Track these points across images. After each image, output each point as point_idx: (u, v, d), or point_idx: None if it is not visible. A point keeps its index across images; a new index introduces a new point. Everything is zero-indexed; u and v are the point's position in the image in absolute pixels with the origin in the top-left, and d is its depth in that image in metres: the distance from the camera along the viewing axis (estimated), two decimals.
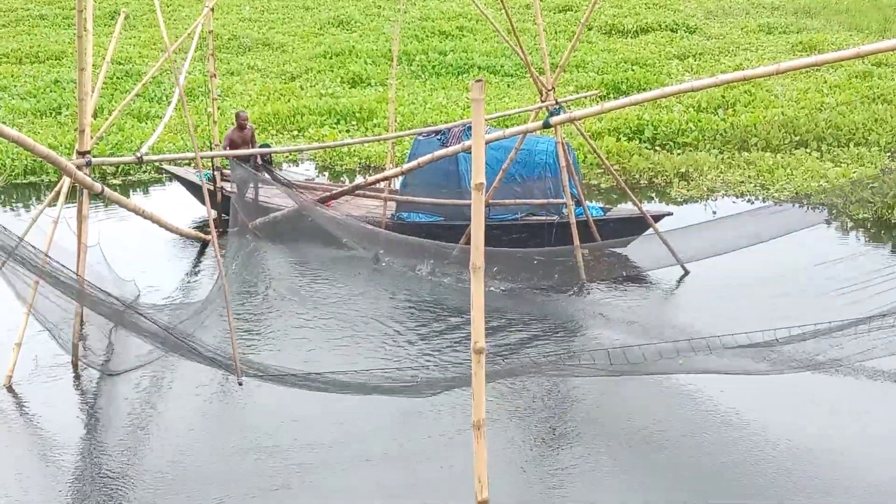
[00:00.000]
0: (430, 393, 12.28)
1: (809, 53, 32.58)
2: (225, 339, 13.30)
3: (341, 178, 23.56)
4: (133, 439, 12.06)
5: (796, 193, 20.78)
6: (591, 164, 22.59)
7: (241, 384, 12.01)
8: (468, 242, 6.66)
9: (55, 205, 13.49)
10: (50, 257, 11.43)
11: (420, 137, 18.27)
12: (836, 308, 12.83)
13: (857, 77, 29.27)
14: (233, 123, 19.76)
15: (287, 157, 24.79)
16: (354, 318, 15.51)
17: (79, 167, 12.78)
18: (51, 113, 27.86)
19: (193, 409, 12.79)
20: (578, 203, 17.09)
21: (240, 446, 11.83)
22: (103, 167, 22.61)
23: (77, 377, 13.49)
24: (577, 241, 16.58)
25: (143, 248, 18.36)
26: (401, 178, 18.44)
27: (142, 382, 13.33)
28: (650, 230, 17.14)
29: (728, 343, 10.91)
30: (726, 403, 12.59)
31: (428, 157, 15.74)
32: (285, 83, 32.23)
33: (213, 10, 17.84)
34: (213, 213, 17.54)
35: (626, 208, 18.57)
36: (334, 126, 27.03)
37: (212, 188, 18.96)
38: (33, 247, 11.16)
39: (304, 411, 12.48)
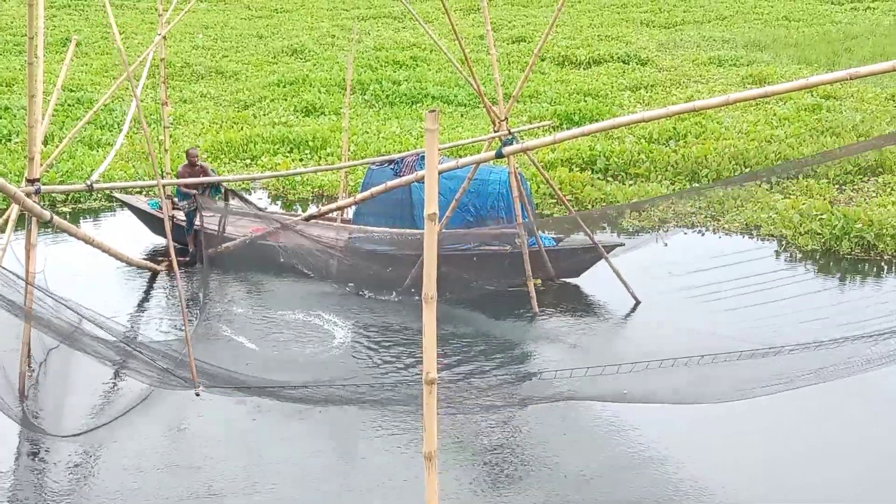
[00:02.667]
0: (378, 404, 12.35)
1: (759, 86, 32.96)
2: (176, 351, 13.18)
3: (294, 208, 23.49)
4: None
5: (746, 225, 20.98)
6: (544, 193, 22.68)
7: (198, 395, 11.92)
8: (420, 273, 6.66)
9: (2, 233, 13.34)
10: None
11: (373, 167, 18.27)
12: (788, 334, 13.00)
13: (805, 110, 29.63)
14: (185, 153, 19.64)
15: (239, 185, 24.69)
16: (308, 337, 15.62)
17: (28, 194, 12.64)
18: (0, 140, 27.57)
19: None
20: (531, 233, 17.14)
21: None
22: (53, 195, 22.41)
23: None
24: (529, 272, 16.63)
25: (90, 278, 18.14)
26: (354, 207, 18.42)
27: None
28: (602, 261, 17.21)
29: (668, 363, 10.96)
30: (665, 436, 12.68)
31: (381, 186, 15.76)
32: (238, 111, 32.17)
33: (165, 37, 17.80)
34: (166, 242, 17.49)
35: (578, 239, 18.68)
36: (287, 155, 26.97)
37: (161, 216, 18.88)
38: None
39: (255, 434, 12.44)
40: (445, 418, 12.58)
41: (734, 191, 22.87)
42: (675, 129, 27.40)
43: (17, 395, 13.16)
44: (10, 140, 27.54)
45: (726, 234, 20.82)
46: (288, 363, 14.54)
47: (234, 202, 19.21)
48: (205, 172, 18.87)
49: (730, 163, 24.49)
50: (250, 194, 24.58)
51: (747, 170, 24.23)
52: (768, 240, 20.36)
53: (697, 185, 23.16)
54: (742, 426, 12.71)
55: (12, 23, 47.07)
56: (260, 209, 18.65)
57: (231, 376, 12.51)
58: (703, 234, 20.91)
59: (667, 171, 24.58)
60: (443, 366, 14.00)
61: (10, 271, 11.70)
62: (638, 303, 16.95)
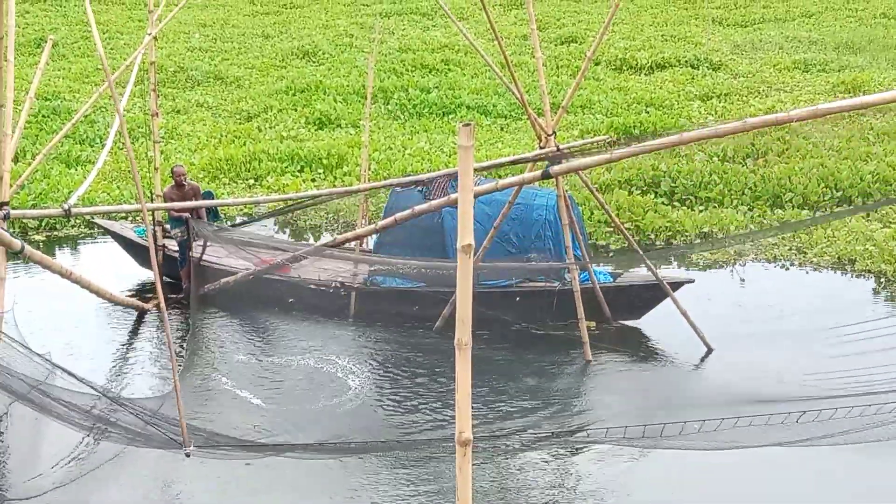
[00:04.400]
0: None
1: (853, 95, 32.81)
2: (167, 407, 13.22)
3: (305, 236, 23.55)
4: None
5: (838, 259, 20.86)
6: (598, 221, 22.63)
7: (188, 455, 11.93)
8: (453, 313, 6.63)
9: None
10: None
11: (398, 189, 18.29)
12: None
13: None
14: (170, 171, 19.74)
15: (241, 210, 24.79)
16: (313, 387, 15.68)
17: None
18: None
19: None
20: (583, 268, 17.10)
21: None
22: (24, 220, 22.55)
23: None
24: (581, 313, 16.57)
25: (67, 317, 18.23)
26: (375, 236, 18.44)
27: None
28: (667, 300, 17.14)
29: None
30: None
31: (407, 212, 15.76)
32: (240, 123, 32.35)
33: (156, 38, 17.92)
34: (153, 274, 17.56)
35: (639, 274, 18.61)
36: (297, 174, 27.08)
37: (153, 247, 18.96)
38: None
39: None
40: (480, 469, 12.60)
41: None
42: (753, 145, 27.31)
43: None
44: None
45: (815, 269, 20.70)
46: (299, 420, 14.52)
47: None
48: (195, 193, 18.94)
49: (818, 185, 24.37)
50: (254, 220, 24.71)
51: (839, 193, 24.10)
52: (864, 276, 20.22)
53: (785, 220, 23.00)
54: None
55: None
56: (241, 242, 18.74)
57: (232, 440, 12.50)
58: (787, 269, 20.81)
59: (744, 194, 24.47)
60: (478, 424, 13.95)
61: None
62: (710, 350, 16.84)
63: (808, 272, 20.68)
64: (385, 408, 15.16)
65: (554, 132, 15.99)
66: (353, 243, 18.63)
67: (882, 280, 19.93)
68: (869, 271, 20.33)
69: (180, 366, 15.47)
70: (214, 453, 12.56)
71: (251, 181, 26.81)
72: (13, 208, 13.39)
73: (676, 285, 17.46)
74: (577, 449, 13.32)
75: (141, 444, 12.58)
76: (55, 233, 23.58)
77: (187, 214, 18.45)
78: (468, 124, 6.17)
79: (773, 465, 12.53)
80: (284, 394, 15.54)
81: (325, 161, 27.62)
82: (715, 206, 24.08)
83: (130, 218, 21.30)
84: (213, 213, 19.33)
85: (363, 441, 13.11)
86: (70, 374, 12.02)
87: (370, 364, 16.70)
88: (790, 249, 21.63)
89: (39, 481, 13.00)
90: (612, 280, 18.15)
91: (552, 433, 13.82)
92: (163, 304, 12.76)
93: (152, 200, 19.19)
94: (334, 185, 25.82)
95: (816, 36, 44.90)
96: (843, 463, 12.84)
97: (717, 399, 14.97)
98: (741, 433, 11.14)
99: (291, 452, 12.34)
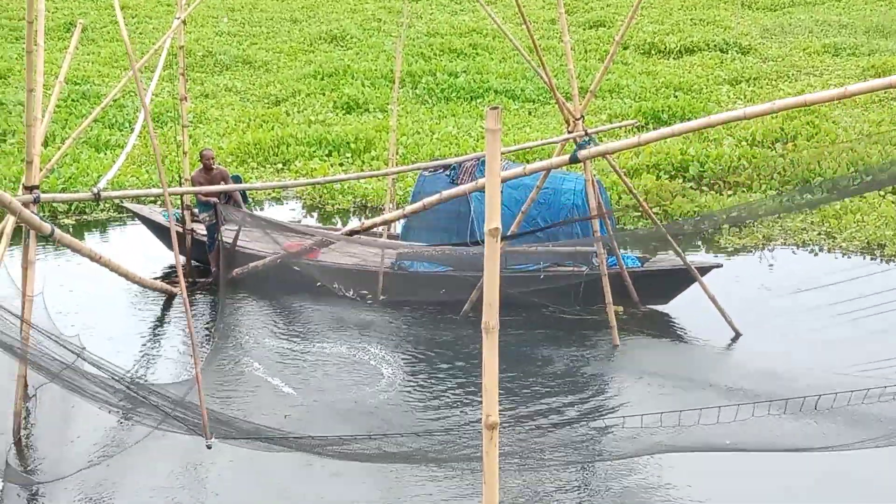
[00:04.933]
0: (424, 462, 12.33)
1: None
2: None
3: (332, 221, 23.59)
4: None
5: (868, 243, 20.76)
6: (626, 205, 22.59)
7: (209, 447, 11.96)
8: (481, 297, 6.63)
9: None
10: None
11: (426, 173, 18.31)
12: None
13: None
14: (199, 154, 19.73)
15: (269, 194, 24.84)
16: (345, 375, 15.68)
17: (25, 204, 12.77)
18: None
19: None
20: (611, 252, 17.07)
21: None
22: (54, 204, 22.66)
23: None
24: (609, 297, 16.55)
25: (95, 301, 18.32)
26: (402, 221, 18.46)
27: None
28: (695, 284, 17.10)
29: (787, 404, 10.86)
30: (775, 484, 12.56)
31: (435, 197, 15.75)
32: (268, 108, 32.38)
33: (185, 22, 17.94)
34: (182, 260, 17.63)
35: (667, 259, 18.57)
36: (325, 158, 27.12)
37: (181, 230, 19.02)
38: None
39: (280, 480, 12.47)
40: (510, 476, 12.55)
41: (853, 202, 22.65)
42: (782, 129, 27.21)
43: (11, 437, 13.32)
44: (4, 140, 27.92)
45: (844, 254, 20.61)
46: (330, 413, 14.50)
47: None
48: (223, 178, 18.99)
49: (848, 169, 24.24)
50: (281, 204, 24.74)
51: (868, 178, 23.94)
52: (894, 261, 20.12)
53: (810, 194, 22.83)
54: None
55: (8, 5, 47.74)
56: (286, 224, 18.76)
57: (260, 431, 12.49)
58: (815, 254, 20.73)
59: (772, 179, 24.38)
60: (505, 409, 13.94)
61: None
62: (738, 335, 16.81)
63: (837, 257, 20.59)
64: (417, 397, 15.14)
65: (582, 116, 15.95)
66: (380, 228, 18.65)
67: None
68: None
69: (206, 350, 15.55)
70: (238, 445, 12.56)
71: (279, 165, 26.85)
72: (43, 192, 13.43)
73: (704, 270, 17.42)
74: (603, 436, 13.24)
75: (166, 428, 12.61)
76: (84, 217, 23.69)
77: (215, 199, 18.50)
78: (495, 108, 6.16)
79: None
80: (316, 383, 15.52)
81: (352, 145, 27.64)
82: (743, 191, 24.00)
83: (159, 202, 21.38)
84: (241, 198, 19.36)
85: (390, 434, 13.04)
86: (97, 361, 12.04)
87: (401, 352, 16.70)
88: (819, 234, 21.54)
89: (68, 462, 13.10)
90: (640, 265, 18.12)
91: (579, 419, 13.79)
92: (184, 293, 12.74)
93: (181, 184, 19.24)
94: (362, 170, 25.84)
95: (846, 20, 44.60)
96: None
97: (743, 383, 14.97)
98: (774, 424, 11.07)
99: (318, 450, 12.29)
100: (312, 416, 14.26)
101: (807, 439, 11.83)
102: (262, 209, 24.00)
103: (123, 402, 12.36)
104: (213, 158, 18.96)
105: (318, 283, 18.09)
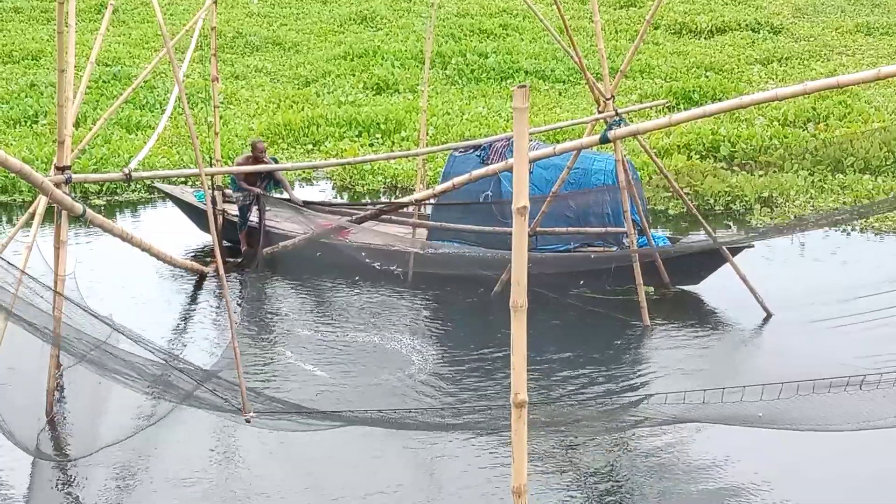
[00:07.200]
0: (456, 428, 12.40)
1: None
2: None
3: (363, 200, 23.59)
4: None
5: None
6: (656, 185, 22.51)
7: (248, 421, 12.02)
8: (510, 276, 6.64)
9: (29, 228, 13.56)
10: (26, 279, 11.49)
11: (456, 153, 18.30)
12: None
13: None
14: (239, 138, 19.69)
15: (300, 175, 24.89)
16: (378, 350, 15.84)
17: (57, 184, 12.84)
18: (26, 121, 28.10)
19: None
20: (642, 232, 17.05)
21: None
22: (85, 185, 22.78)
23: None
24: (639, 278, 16.54)
25: (127, 280, 18.42)
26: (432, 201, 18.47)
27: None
28: (726, 265, 17.05)
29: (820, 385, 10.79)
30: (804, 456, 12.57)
31: (465, 176, 15.76)
32: (299, 89, 32.41)
33: (216, 2, 17.97)
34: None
35: (698, 239, 18.51)
36: (355, 139, 27.14)
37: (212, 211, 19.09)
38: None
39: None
40: (537, 446, 12.59)
41: (885, 182, 22.52)
42: (814, 109, 27.08)
43: (42, 416, 13.42)
44: (36, 121, 28.06)
45: (876, 234, 20.52)
46: (362, 391, 14.55)
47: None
48: (268, 172, 18.98)
49: (880, 150, 24.09)
50: (312, 185, 24.78)
51: None
52: None
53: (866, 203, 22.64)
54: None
55: None
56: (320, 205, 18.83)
57: (293, 405, 12.55)
58: (847, 234, 20.63)
59: (804, 159, 24.23)
60: (534, 387, 13.96)
61: (34, 279, 11.82)
62: (769, 315, 16.76)
63: (869, 237, 20.50)
64: (448, 379, 15.18)
65: (612, 96, 15.91)
66: (410, 208, 18.67)
67: None
68: None
69: (239, 333, 15.63)
70: (275, 423, 12.63)
71: (309, 146, 26.88)
72: (75, 173, 13.49)
73: (736, 250, 17.35)
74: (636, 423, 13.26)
75: (200, 406, 12.67)
76: (115, 197, 23.78)
77: (259, 189, 18.62)
78: (523, 86, 6.16)
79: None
80: (346, 366, 15.56)
81: (382, 126, 27.64)
82: (775, 171, 23.87)
83: (190, 182, 21.45)
84: (273, 183, 19.36)
85: (424, 409, 13.12)
86: (132, 336, 12.11)
87: (431, 335, 16.74)
88: (852, 214, 21.42)
89: (99, 437, 13.20)
90: (670, 245, 18.08)
91: (611, 401, 13.82)
92: (222, 272, 12.84)
93: (211, 165, 19.30)
94: (392, 150, 25.84)
95: None
96: None
97: (776, 363, 14.94)
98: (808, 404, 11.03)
99: (354, 423, 12.35)
100: (342, 395, 14.32)
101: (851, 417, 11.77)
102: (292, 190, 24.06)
103: (155, 383, 12.41)
104: (264, 151, 18.90)
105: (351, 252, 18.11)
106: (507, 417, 11.35)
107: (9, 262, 11.57)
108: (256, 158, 18.66)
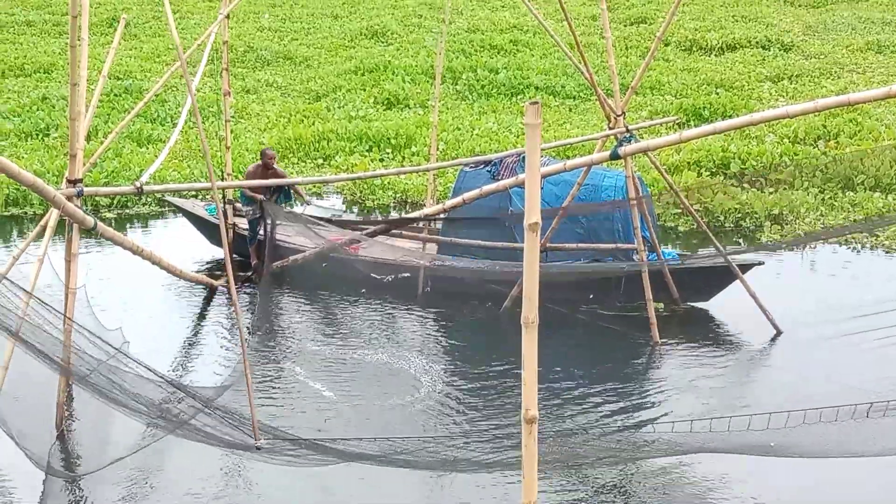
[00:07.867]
0: (470, 470, 12.32)
1: None
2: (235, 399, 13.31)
3: (373, 216, 23.63)
4: None
5: None
6: (666, 202, 22.51)
7: (258, 448, 12.00)
8: (521, 291, 6.63)
9: (40, 241, 13.58)
10: (36, 297, 11.50)
11: (466, 169, 18.31)
12: None
13: None
14: (249, 152, 19.72)
15: (310, 189, 24.91)
16: (386, 373, 15.74)
17: (69, 198, 12.84)
18: (37, 134, 28.17)
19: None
20: (652, 249, 17.04)
21: None
22: (97, 198, 22.82)
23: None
24: (649, 294, 16.53)
25: (137, 293, 18.44)
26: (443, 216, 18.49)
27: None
28: (736, 281, 17.03)
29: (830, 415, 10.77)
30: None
31: (475, 192, 15.76)
32: (309, 103, 32.47)
33: (228, 17, 18.01)
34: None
35: (708, 256, 18.49)
36: (366, 154, 27.17)
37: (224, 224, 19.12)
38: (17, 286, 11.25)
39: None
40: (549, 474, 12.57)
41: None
42: (824, 126, 27.06)
43: (52, 429, 13.42)
44: (48, 135, 28.12)
45: (886, 252, 20.48)
46: (370, 419, 14.47)
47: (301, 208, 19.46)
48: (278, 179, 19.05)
49: (891, 167, 24.08)
50: (322, 199, 24.80)
51: None
52: None
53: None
54: None
55: (52, 0, 48.02)
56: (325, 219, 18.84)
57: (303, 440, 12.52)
58: (857, 252, 20.61)
59: (814, 176, 24.21)
60: (544, 406, 13.94)
61: (42, 301, 11.80)
62: (779, 333, 16.74)
63: (879, 255, 20.46)
64: (457, 401, 15.09)
65: (623, 113, 15.94)
66: (421, 224, 18.69)
67: None
68: None
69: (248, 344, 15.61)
70: (283, 458, 12.57)
71: (320, 160, 26.93)
72: (86, 186, 13.51)
73: (746, 267, 17.34)
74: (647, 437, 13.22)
75: (209, 442, 12.57)
76: (126, 210, 23.84)
77: (262, 196, 18.61)
78: (535, 102, 6.16)
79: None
80: (355, 384, 15.53)
81: (393, 141, 27.69)
82: (785, 188, 23.86)
83: (201, 196, 21.49)
84: (284, 195, 19.39)
85: (433, 437, 13.06)
86: (137, 361, 12.06)
87: (441, 354, 16.75)
88: (861, 232, 21.39)
89: (108, 452, 13.19)
90: (680, 261, 18.06)
91: (618, 426, 13.80)
92: (233, 286, 12.83)
93: (223, 179, 19.36)
94: (402, 165, 25.86)
95: (890, 17, 44.26)
96: None
97: (786, 383, 14.91)
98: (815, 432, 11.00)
99: (364, 461, 12.30)
100: (351, 422, 14.23)
101: (861, 444, 11.73)
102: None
103: (158, 413, 12.35)
104: (274, 158, 18.97)
105: (360, 268, 18.10)
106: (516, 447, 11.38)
107: (17, 284, 11.52)
108: (266, 166, 18.72)
